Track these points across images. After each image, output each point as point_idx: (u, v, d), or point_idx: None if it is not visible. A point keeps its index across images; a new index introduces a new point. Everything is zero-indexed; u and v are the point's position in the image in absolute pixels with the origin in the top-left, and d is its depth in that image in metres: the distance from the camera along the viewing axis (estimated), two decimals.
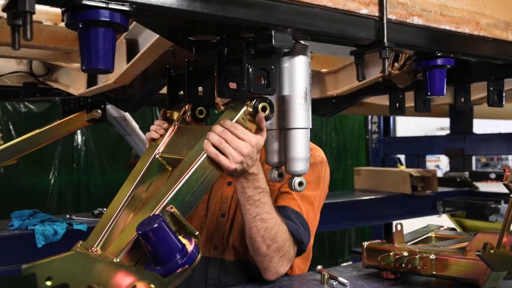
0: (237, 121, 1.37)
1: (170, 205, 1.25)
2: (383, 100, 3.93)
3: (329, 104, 2.71)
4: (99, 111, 2.67)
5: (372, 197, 4.76)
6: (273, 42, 1.22)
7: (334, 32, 1.34)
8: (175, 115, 1.65)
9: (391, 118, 6.49)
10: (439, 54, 1.58)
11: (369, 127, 6.53)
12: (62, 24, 2.04)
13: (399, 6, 1.47)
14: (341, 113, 5.32)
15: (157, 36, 1.58)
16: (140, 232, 1.17)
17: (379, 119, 6.29)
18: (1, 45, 1.95)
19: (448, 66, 1.62)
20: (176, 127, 1.63)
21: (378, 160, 6.23)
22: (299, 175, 1.44)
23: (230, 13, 1.15)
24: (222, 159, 1.33)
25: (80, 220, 3.07)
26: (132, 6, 1.01)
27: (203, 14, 1.10)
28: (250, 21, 1.19)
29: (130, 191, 1.52)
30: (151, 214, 1.24)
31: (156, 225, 1.16)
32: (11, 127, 5.14)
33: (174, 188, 1.29)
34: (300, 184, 1.44)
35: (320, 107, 2.78)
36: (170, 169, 1.56)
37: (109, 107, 3.17)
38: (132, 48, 1.78)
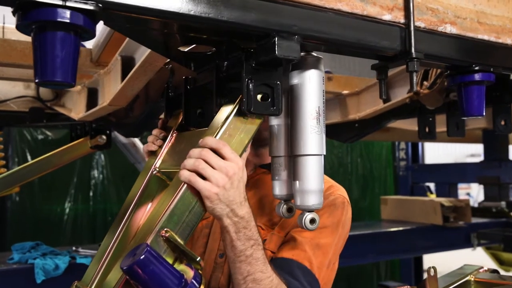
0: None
1: (165, 229, 1.04)
2: (411, 125, 3.67)
3: (352, 128, 2.49)
4: (104, 137, 2.51)
5: (400, 228, 4.45)
6: (276, 52, 1.02)
7: (351, 40, 1.14)
8: (174, 122, 1.45)
9: (420, 144, 6.18)
10: (476, 68, 1.35)
11: (397, 153, 6.22)
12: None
13: (429, 12, 1.26)
14: (366, 139, 5.07)
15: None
16: (124, 268, 0.96)
17: (406, 146, 6.00)
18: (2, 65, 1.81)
19: (487, 83, 1.39)
20: (175, 135, 1.41)
21: (407, 188, 5.90)
22: (311, 211, 1.21)
23: (222, 16, 0.95)
24: (200, 182, 1.08)
25: (85, 253, 2.88)
26: (98, 5, 0.82)
27: (187, 17, 0.91)
28: (248, 26, 0.99)
29: (126, 217, 1.32)
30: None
31: (142, 256, 0.95)
32: (28, 154, 5.07)
33: (168, 207, 1.06)
34: (312, 221, 1.21)
35: (342, 132, 2.56)
36: None
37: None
38: (127, 66, 1.60)
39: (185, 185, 1.07)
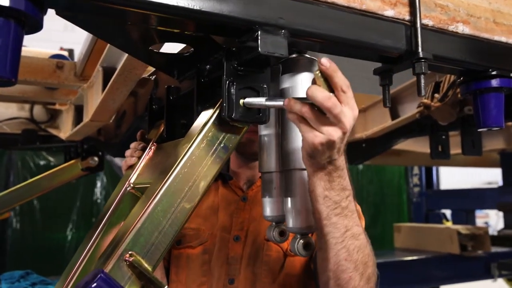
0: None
1: (130, 252, 0.88)
2: (423, 147, 3.49)
3: (359, 149, 2.32)
4: (96, 158, 2.37)
5: (415, 257, 4.22)
6: (259, 47, 0.87)
7: (347, 38, 0.99)
8: (154, 134, 1.30)
9: (434, 169, 5.95)
10: (494, 73, 1.19)
11: (410, 179, 5.99)
12: (38, 55, 1.79)
13: (438, 9, 1.12)
14: (376, 163, 4.86)
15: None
16: None
17: (420, 171, 5.77)
18: None
19: (507, 90, 1.23)
20: (153, 148, 1.26)
21: (421, 215, 5.65)
22: (304, 234, 1.05)
23: (194, 5, 0.81)
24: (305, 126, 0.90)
25: None
26: None
27: (150, 4, 0.78)
28: (225, 18, 0.85)
29: (95, 236, 1.16)
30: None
31: (94, 285, 0.79)
32: (29, 179, 4.96)
33: (133, 227, 0.90)
34: (307, 246, 1.04)
35: (348, 153, 2.38)
36: None
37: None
38: (110, 78, 1.47)
39: (155, 201, 0.91)
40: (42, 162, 5.02)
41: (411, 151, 3.67)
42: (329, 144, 0.90)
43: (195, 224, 1.39)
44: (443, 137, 1.93)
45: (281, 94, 1.07)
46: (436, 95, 1.63)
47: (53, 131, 2.42)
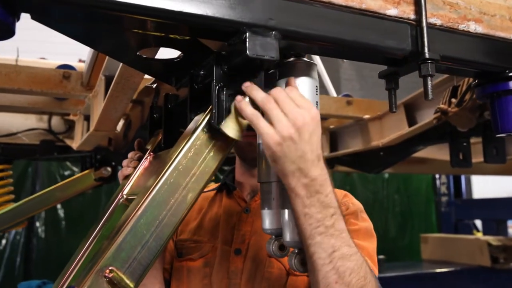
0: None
1: (110, 267, 0.83)
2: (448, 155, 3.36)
3: (377, 157, 2.23)
4: (108, 168, 2.36)
5: (444, 270, 4.06)
6: (247, 50, 0.82)
7: (346, 38, 0.93)
8: (152, 143, 1.26)
9: (463, 177, 5.75)
10: (511, 74, 1.11)
11: (438, 188, 5.80)
12: (43, 66, 1.79)
13: (447, 7, 1.05)
14: (401, 171, 4.72)
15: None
16: None
17: (448, 179, 5.58)
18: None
19: None
20: (149, 157, 1.22)
21: (450, 225, 5.45)
22: (302, 248, 0.98)
23: (174, 7, 0.77)
24: (263, 125, 0.88)
25: None
26: None
27: (130, 7, 0.73)
28: (210, 19, 0.81)
29: (82, 252, 1.12)
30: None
31: None
32: None
33: (115, 241, 0.85)
34: (305, 261, 0.98)
35: (366, 162, 2.30)
36: None
37: None
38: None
39: (138, 213, 0.86)
40: (66, 172, 5.09)
41: (436, 159, 3.54)
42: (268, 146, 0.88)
43: (197, 236, 1.34)
44: (464, 144, 1.83)
45: None
46: (453, 100, 1.53)
47: (68, 142, 2.43)
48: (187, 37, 0.90)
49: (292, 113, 0.87)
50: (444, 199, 5.68)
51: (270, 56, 0.84)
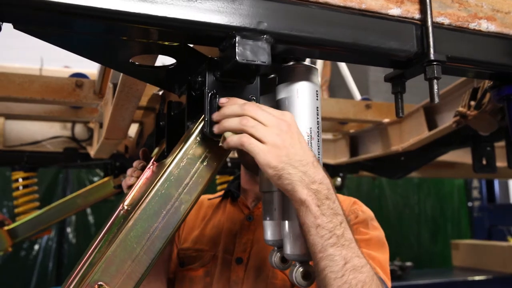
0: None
1: (99, 282, 0.82)
2: None
3: (397, 162, 2.16)
4: None
5: (476, 278, 3.91)
6: (237, 55, 0.79)
7: (344, 41, 0.89)
8: (156, 152, 1.24)
9: (497, 181, 5.54)
10: None
11: (470, 192, 5.61)
12: (57, 75, 1.80)
13: (455, 5, 0.99)
14: (429, 176, 4.59)
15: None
16: None
17: (480, 183, 5.39)
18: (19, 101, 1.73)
19: None
20: (152, 167, 1.20)
21: (483, 231, 5.26)
22: (303, 261, 0.94)
23: (154, 11, 0.75)
24: (257, 146, 0.82)
25: None
26: None
27: (111, 13, 0.72)
28: (196, 24, 0.78)
29: (81, 264, 1.11)
30: None
31: None
32: None
33: (104, 254, 0.83)
34: (306, 276, 0.93)
35: (387, 167, 2.23)
36: None
37: None
38: None
39: (128, 225, 0.84)
40: (95, 178, 5.17)
41: (465, 163, 3.41)
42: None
43: (199, 244, 1.32)
44: (488, 148, 1.74)
45: (277, 105, 0.98)
46: (472, 103, 1.46)
47: (89, 149, 2.46)
48: (177, 44, 0.87)
49: (272, 122, 0.83)
50: (476, 203, 5.49)
51: (261, 61, 0.81)
